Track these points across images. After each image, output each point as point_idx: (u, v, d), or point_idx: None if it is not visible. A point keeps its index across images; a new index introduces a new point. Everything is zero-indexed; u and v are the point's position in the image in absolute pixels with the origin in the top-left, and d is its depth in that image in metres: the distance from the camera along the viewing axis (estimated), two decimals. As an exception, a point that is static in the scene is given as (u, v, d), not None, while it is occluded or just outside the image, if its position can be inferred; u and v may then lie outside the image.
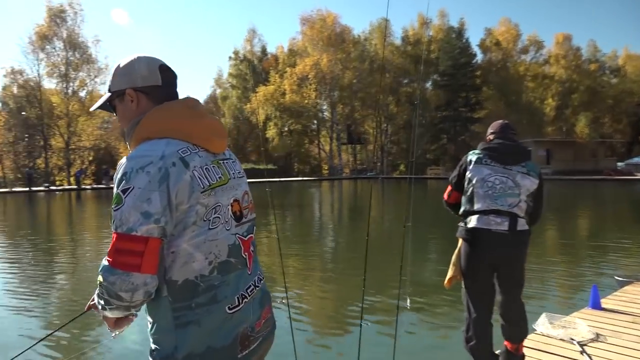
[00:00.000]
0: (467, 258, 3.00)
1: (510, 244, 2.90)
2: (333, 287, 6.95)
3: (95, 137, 44.97)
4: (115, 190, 1.25)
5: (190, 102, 1.44)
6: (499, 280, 3.01)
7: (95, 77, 45.35)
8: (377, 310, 5.45)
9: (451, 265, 3.18)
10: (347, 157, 58.89)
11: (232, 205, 1.39)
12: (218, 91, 63.72)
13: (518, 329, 3.05)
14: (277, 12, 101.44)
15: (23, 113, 43.07)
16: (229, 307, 1.33)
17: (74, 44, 43.90)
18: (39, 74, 44.01)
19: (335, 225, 15.31)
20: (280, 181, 40.53)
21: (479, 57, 54.76)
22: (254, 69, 58.70)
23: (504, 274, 2.99)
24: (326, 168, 55.80)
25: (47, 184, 38.17)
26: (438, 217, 13.26)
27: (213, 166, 1.37)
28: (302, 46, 53.66)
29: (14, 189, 36.51)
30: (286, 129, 54.02)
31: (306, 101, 50.80)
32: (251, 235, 1.47)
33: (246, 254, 1.42)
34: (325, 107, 54.85)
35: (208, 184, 1.31)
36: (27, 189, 35.29)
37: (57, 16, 43.39)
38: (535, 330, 3.82)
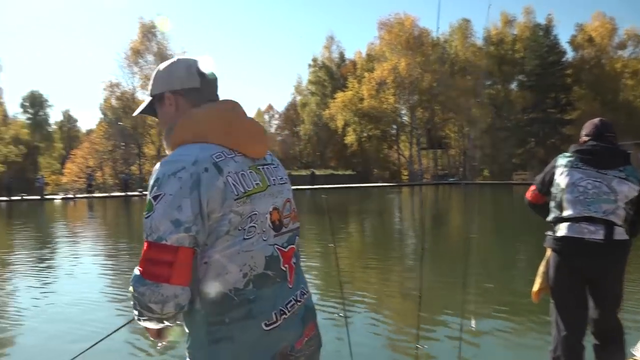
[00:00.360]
0: (557, 269, 2.77)
1: (607, 255, 2.64)
2: (395, 301, 6.55)
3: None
4: (147, 196, 1.21)
5: (228, 104, 1.37)
6: (592, 294, 2.75)
7: (182, 88, 48.00)
8: (439, 331, 4.88)
9: (538, 277, 2.96)
10: (428, 162, 57.69)
11: (270, 214, 1.30)
12: (298, 98, 65.01)
13: (613, 351, 2.77)
14: (355, 19, 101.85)
15: (120, 123, 46.56)
16: (265, 324, 1.24)
17: (163, 56, 46.71)
18: (133, 86, 47.58)
19: (411, 232, 14.97)
20: (358, 187, 40.48)
21: (570, 54, 51.65)
22: (332, 75, 59.30)
23: (598, 287, 2.73)
24: (406, 174, 54.98)
25: (141, 189, 40.77)
26: (523, 225, 12.57)
27: (250, 172, 1.29)
28: (380, 51, 53.38)
29: (112, 194, 39.47)
30: (365, 134, 53.94)
31: (384, 106, 50.46)
32: (292, 246, 1.37)
33: (286, 266, 1.33)
34: (404, 112, 54.17)
35: (243, 191, 1.23)
36: (123, 193, 38.03)
37: (148, 32, 46.67)
38: (635, 355, 3.44)
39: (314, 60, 61.51)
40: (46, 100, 63.27)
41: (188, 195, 1.16)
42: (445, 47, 53.76)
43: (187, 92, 1.36)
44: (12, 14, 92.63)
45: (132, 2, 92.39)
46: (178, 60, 1.40)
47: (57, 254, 11.11)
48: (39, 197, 34.72)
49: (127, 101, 47.26)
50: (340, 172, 50.62)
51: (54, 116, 77.97)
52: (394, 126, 55.27)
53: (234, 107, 1.37)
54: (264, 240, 1.27)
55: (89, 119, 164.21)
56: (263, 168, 1.36)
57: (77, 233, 15.64)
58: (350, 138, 52.54)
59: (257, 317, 1.23)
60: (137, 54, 46.53)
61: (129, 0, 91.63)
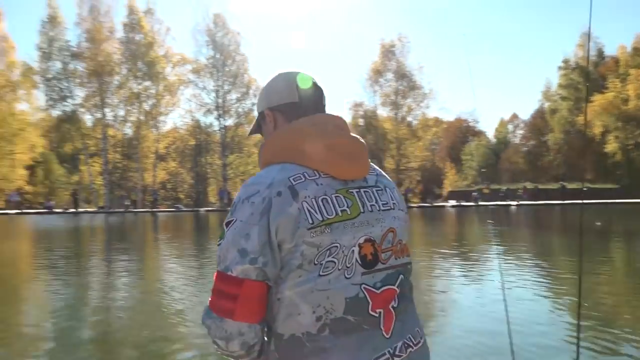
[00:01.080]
0: None
1: None
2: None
3: (421, 159, 48.31)
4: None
5: (318, 118, 1.19)
6: None
7: (421, 102, 48.80)
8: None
9: None
10: None
11: (360, 247, 1.08)
12: (546, 105, 59.48)
13: None
14: (616, 9, 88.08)
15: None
16: None
17: (401, 73, 48.45)
18: (375, 104, 50.42)
19: None
20: (624, 203, 34.61)
21: None
22: (587, 75, 52.54)
23: None
24: (691, 188, 44.74)
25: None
26: None
27: (337, 196, 1.09)
28: (652, 41, 45.00)
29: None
30: (632, 141, 46.11)
31: (659, 106, 42.21)
32: (390, 287, 1.11)
33: (379, 311, 1.08)
34: (689, 112, 44.34)
35: (320, 219, 1.05)
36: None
37: (388, 51, 49.00)
38: None
39: (565, 61, 55.37)
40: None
41: (257, 222, 1.04)
42: None
43: (285, 108, 1.24)
44: (268, 47, 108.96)
45: (370, 26, 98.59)
46: (279, 75, 1.29)
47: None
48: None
49: (369, 118, 50.38)
50: (598, 186, 44.06)
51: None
52: (674, 130, 45.74)
53: (324, 121, 1.19)
54: (347, 278, 1.06)
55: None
56: (359, 192, 1.14)
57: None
58: (611, 146, 45.51)
59: None
60: (377, 73, 49.26)
61: (368, 25, 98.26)
